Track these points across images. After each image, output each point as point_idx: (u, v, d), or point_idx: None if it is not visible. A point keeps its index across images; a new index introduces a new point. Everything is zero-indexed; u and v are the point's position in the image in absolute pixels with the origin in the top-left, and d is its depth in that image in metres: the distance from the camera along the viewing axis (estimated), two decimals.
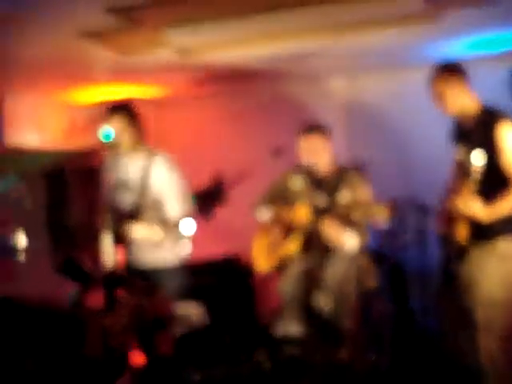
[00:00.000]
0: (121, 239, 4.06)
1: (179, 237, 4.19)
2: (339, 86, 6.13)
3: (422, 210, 5.08)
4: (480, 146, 3.61)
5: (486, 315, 3.67)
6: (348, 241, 4.32)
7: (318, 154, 4.45)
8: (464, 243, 3.71)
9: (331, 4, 3.81)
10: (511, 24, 4.49)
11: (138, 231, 4.07)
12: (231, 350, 5.29)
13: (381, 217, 4.12)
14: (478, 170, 3.59)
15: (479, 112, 3.72)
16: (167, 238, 4.10)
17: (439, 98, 3.77)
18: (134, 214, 4.11)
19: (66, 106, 5.84)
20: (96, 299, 3.79)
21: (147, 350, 3.56)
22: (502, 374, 3.67)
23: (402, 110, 5.89)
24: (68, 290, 4.01)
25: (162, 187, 4.11)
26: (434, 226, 4.31)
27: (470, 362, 3.85)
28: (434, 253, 4.60)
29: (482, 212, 3.59)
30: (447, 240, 3.88)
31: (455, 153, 3.90)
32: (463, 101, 3.73)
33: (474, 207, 3.60)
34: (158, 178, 4.12)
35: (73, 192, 5.37)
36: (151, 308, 3.66)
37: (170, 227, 4.04)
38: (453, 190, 3.88)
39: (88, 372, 3.50)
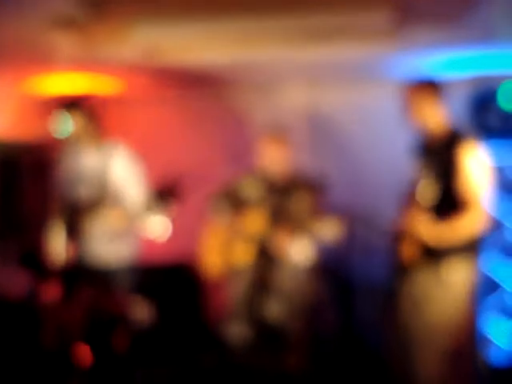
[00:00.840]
0: (75, 232, 4.02)
1: (136, 230, 4.20)
2: (300, 96, 6.16)
3: (374, 224, 5.12)
4: (440, 165, 3.64)
5: (428, 337, 3.72)
6: (296, 251, 4.33)
7: (277, 161, 4.46)
8: (410, 262, 3.73)
9: (298, 14, 3.83)
10: (476, 45, 4.58)
11: (98, 221, 4.03)
12: (178, 352, 5.27)
13: (333, 231, 4.15)
14: (434, 190, 3.60)
15: (446, 131, 3.75)
16: (125, 230, 4.07)
17: (410, 112, 3.79)
18: (91, 206, 4.08)
19: (24, 95, 5.71)
20: (52, 291, 3.72)
21: (100, 346, 3.50)
22: None
23: (361, 123, 5.97)
24: (21, 279, 3.94)
25: (123, 179, 4.14)
26: (384, 242, 4.34)
27: (408, 375, 3.90)
28: (383, 268, 4.68)
29: (430, 233, 3.61)
30: (395, 257, 3.90)
31: (414, 170, 3.93)
32: (433, 118, 3.75)
33: (424, 228, 3.62)
34: (118, 170, 4.15)
35: (26, 183, 5.25)
36: (108, 305, 3.60)
37: (129, 218, 4.00)
38: (406, 207, 3.92)
39: (41, 363, 3.44)
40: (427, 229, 3.61)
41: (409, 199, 3.89)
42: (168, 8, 3.77)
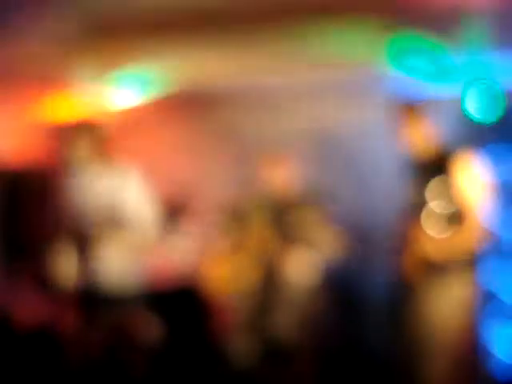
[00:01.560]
0: (86, 256, 4.07)
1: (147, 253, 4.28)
2: (303, 115, 6.24)
3: (372, 238, 5.18)
4: (434, 182, 3.73)
5: (431, 348, 3.79)
6: (302, 268, 4.39)
7: (281, 182, 4.52)
8: (413, 276, 3.79)
9: (294, 36, 3.93)
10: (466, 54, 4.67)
11: (109, 245, 4.08)
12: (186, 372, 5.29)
13: (337, 246, 4.21)
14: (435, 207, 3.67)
15: (437, 149, 3.84)
16: (136, 254, 4.13)
17: (401, 133, 3.89)
18: (102, 231, 4.12)
19: (32, 120, 5.80)
20: (71, 317, 3.76)
21: (121, 371, 3.54)
22: None
23: (361, 140, 6.05)
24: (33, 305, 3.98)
25: (135, 202, 4.17)
26: (385, 255, 4.39)
27: None
28: (383, 281, 4.73)
29: (433, 248, 3.69)
30: (397, 271, 3.96)
31: (411, 187, 4.01)
32: (422, 137, 3.85)
33: (428, 243, 3.69)
34: (130, 193, 4.18)
35: (35, 208, 5.29)
36: (129, 329, 3.64)
37: (140, 241, 4.05)
38: (405, 223, 3.99)
39: None
40: (430, 244, 3.67)
41: (409, 215, 3.96)
42: (169, 33, 3.86)
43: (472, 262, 3.78)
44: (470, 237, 3.68)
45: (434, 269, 3.74)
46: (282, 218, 4.55)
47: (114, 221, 4.12)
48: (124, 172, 4.25)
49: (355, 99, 5.90)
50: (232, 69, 4.62)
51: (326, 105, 6.05)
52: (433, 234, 3.71)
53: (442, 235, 3.70)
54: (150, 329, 4.21)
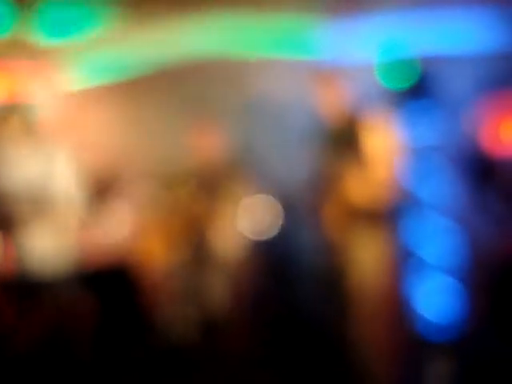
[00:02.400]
0: (13, 236, 4.08)
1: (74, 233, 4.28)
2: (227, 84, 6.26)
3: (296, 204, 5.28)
4: (346, 149, 3.85)
5: (362, 300, 3.93)
6: (232, 234, 4.44)
7: (209, 149, 4.57)
8: (337, 230, 3.92)
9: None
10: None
11: (38, 224, 4.09)
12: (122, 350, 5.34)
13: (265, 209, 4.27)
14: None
15: (349, 113, 3.97)
16: (66, 231, 4.16)
17: (317, 99, 3.99)
18: (31, 210, 4.12)
19: None
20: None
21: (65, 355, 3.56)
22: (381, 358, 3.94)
23: (285, 107, 6.06)
24: None
25: (64, 183, 4.18)
26: (310, 218, 4.50)
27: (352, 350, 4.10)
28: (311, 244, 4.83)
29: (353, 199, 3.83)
30: (322, 232, 4.09)
31: (320, 155, 4.13)
32: (335, 102, 3.96)
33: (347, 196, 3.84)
34: (59, 175, 4.18)
35: None
36: (67, 311, 3.65)
37: (68, 221, 4.08)
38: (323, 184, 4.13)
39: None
40: (349, 195, 3.86)
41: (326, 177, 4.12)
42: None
43: (387, 216, 3.93)
44: (382, 189, 3.86)
45: (354, 223, 3.89)
46: (211, 186, 4.59)
47: (42, 201, 4.12)
48: (52, 152, 4.24)
49: (279, 67, 5.97)
50: (175, 41, 4.60)
51: (250, 73, 6.12)
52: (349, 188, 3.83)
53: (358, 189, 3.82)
54: (87, 308, 4.23)
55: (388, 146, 3.89)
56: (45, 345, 3.82)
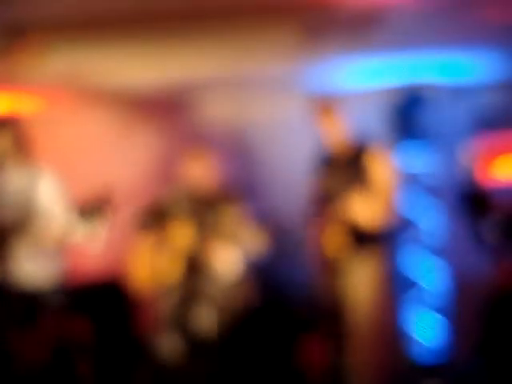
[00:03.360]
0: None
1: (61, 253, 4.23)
2: (220, 110, 6.30)
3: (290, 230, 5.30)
4: (351, 176, 3.88)
5: (356, 321, 3.92)
6: (225, 262, 4.44)
7: (200, 176, 4.56)
8: (334, 258, 3.93)
9: (213, 34, 3.98)
10: (385, 54, 4.83)
11: (23, 242, 4.04)
12: (112, 368, 5.30)
13: (258, 239, 4.28)
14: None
15: (351, 144, 3.98)
16: (51, 250, 4.11)
17: (317, 127, 4.01)
18: (16, 228, 4.06)
19: None
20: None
21: (66, 372, 3.51)
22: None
23: (283, 134, 6.16)
24: None
25: (47, 199, 4.13)
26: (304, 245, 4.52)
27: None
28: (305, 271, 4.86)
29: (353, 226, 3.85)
30: (318, 256, 4.10)
31: (322, 180, 4.15)
32: (336, 133, 3.99)
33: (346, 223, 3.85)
34: (42, 191, 4.13)
35: None
36: (71, 332, 3.61)
37: (54, 237, 4.04)
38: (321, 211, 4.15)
39: None
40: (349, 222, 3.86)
41: (325, 204, 4.13)
42: (88, 33, 3.86)
43: (385, 240, 3.98)
44: (381, 217, 3.88)
45: (354, 246, 3.92)
46: (203, 213, 4.57)
47: (28, 217, 4.07)
48: (38, 170, 4.19)
49: (274, 94, 6.02)
50: (151, 66, 4.64)
51: (244, 100, 6.16)
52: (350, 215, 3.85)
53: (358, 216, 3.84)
54: (80, 328, 4.20)
55: (389, 174, 3.92)
56: (46, 364, 3.76)
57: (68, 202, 4.23)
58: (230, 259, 4.46)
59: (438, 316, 5.22)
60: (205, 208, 4.56)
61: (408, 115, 5.26)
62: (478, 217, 4.31)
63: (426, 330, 5.21)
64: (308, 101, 4.09)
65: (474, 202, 4.29)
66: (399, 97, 5.32)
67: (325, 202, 4.07)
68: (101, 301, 5.49)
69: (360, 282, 3.93)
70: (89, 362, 3.78)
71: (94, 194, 4.48)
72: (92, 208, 4.15)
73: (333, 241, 3.98)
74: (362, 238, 3.94)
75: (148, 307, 5.11)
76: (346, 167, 3.95)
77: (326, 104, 4.04)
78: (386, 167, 3.93)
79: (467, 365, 4.63)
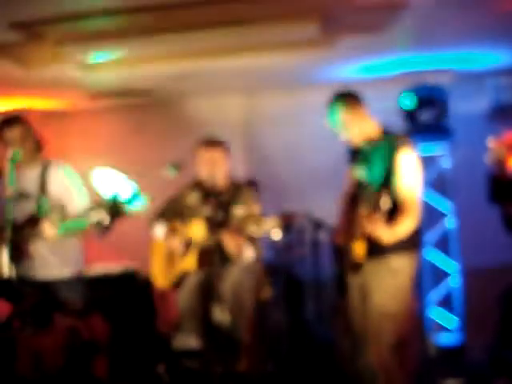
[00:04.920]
0: (18, 251, 4.01)
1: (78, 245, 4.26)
2: (237, 104, 6.26)
3: (317, 224, 5.25)
4: (378, 168, 3.75)
5: (378, 325, 3.83)
6: (245, 252, 4.37)
7: (216, 168, 4.44)
8: (359, 258, 3.81)
9: (230, 26, 3.95)
10: (400, 49, 4.80)
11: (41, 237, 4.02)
12: (131, 364, 5.30)
13: (273, 230, 4.17)
14: (383, 193, 3.66)
15: (379, 136, 3.85)
16: (68, 242, 4.11)
17: (339, 125, 3.85)
18: (33, 223, 4.05)
19: None
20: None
21: (82, 372, 3.49)
22: (392, 381, 3.84)
23: (298, 127, 6.12)
24: None
25: (61, 191, 4.15)
26: (328, 240, 4.45)
27: (361, 370, 4.00)
28: (329, 265, 4.82)
29: (383, 233, 3.67)
30: (343, 254, 4.01)
31: (352, 173, 4.02)
32: (362, 126, 3.84)
33: (378, 229, 3.66)
34: (55, 184, 4.15)
35: None
36: (86, 331, 3.58)
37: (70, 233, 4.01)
38: (347, 208, 4.02)
39: None
40: (381, 229, 3.66)
41: (351, 200, 4.00)
42: (100, 29, 3.83)
43: (414, 242, 3.84)
44: (412, 220, 3.73)
45: (380, 250, 3.75)
46: (220, 206, 4.51)
47: (44, 212, 4.08)
48: (51, 164, 4.22)
49: (292, 88, 6.00)
50: (167, 60, 4.61)
51: (262, 94, 6.13)
52: (380, 220, 3.67)
53: (389, 220, 3.69)
54: (96, 326, 4.17)
55: (417, 172, 3.83)
56: (55, 362, 3.75)
57: (84, 194, 4.22)
58: (247, 251, 4.38)
59: (456, 311, 5.20)
60: (219, 202, 4.49)
61: (423, 106, 5.19)
62: (506, 203, 4.27)
63: (443, 325, 5.20)
64: (328, 94, 3.97)
65: (501, 188, 4.24)
66: (414, 88, 5.26)
67: (354, 197, 3.96)
68: (118, 294, 5.50)
69: (382, 284, 3.84)
70: (105, 360, 3.75)
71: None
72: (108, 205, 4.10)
73: (356, 242, 3.85)
74: (380, 247, 3.83)
75: (166, 302, 5.11)
76: (370, 161, 3.83)
77: (350, 97, 3.92)
78: (413, 161, 3.82)
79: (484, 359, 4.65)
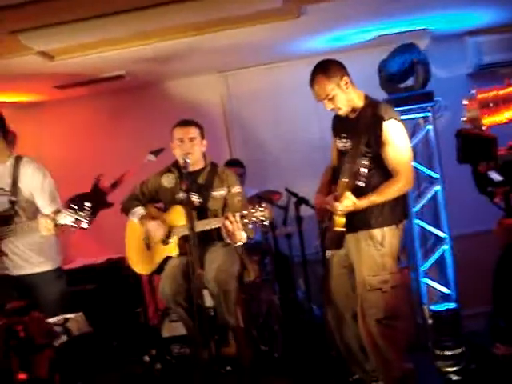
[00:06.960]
0: None
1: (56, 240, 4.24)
2: (213, 82, 6.16)
3: (300, 200, 5.18)
4: (364, 137, 3.66)
5: (364, 299, 3.79)
6: (239, 236, 4.24)
7: (188, 147, 4.32)
8: (341, 231, 3.74)
9: (195, 2, 3.81)
10: (370, 17, 4.68)
11: (15, 233, 4.04)
12: (120, 354, 5.26)
13: (263, 218, 4.07)
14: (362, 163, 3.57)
15: (363, 105, 3.78)
16: (43, 238, 4.08)
17: (324, 95, 3.75)
18: (7, 219, 4.06)
19: None
20: None
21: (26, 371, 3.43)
22: (382, 355, 3.82)
23: (279, 103, 6.03)
24: None
25: (32, 187, 4.13)
26: (314, 216, 4.36)
27: (348, 343, 4.02)
28: (314, 241, 4.75)
29: (359, 203, 3.62)
30: (326, 229, 3.94)
31: (336, 143, 3.96)
32: (347, 95, 3.76)
33: (349, 202, 3.61)
34: (26, 180, 4.13)
35: None
36: (24, 329, 3.51)
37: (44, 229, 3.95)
38: (330, 180, 4.00)
39: None
40: (353, 202, 3.60)
41: (334, 173, 3.96)
42: (59, 11, 3.71)
43: (401, 209, 3.83)
44: (403, 187, 3.71)
45: (360, 224, 3.74)
46: (196, 190, 4.40)
47: (15, 208, 4.10)
48: (20, 160, 4.20)
49: (270, 64, 5.90)
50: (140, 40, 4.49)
51: (237, 72, 6.03)
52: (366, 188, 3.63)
53: (376, 188, 3.68)
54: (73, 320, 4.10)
55: (406, 139, 3.76)
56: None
57: (53, 186, 4.21)
58: (238, 235, 4.24)
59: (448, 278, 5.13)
60: (198, 184, 4.39)
61: (405, 66, 5.05)
62: (480, 163, 4.20)
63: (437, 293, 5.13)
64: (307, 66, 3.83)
65: (476, 148, 4.17)
66: (393, 54, 5.12)
67: (338, 168, 3.87)
68: (103, 285, 5.46)
69: (366, 261, 3.78)
70: (47, 359, 3.69)
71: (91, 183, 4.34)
72: (88, 196, 4.03)
73: (336, 215, 3.75)
74: (362, 220, 3.76)
75: (153, 289, 5.04)
76: (355, 130, 3.73)
77: (321, 70, 3.79)
78: (399, 127, 3.72)
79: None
